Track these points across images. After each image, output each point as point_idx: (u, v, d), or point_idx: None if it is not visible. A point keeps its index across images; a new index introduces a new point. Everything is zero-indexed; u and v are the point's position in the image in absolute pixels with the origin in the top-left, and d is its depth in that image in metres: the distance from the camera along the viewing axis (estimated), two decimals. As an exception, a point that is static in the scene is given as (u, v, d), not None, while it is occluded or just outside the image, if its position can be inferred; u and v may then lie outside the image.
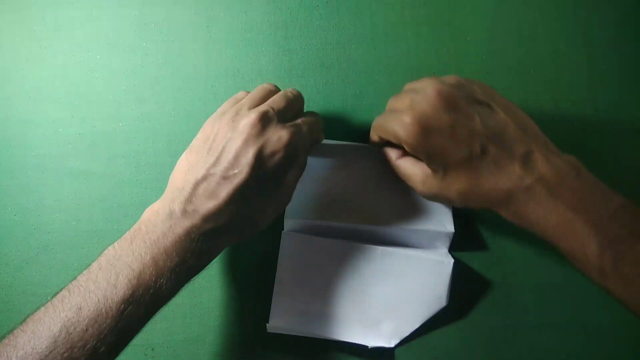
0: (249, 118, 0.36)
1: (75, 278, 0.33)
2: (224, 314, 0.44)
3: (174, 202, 0.35)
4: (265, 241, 0.45)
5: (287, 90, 0.40)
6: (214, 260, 0.44)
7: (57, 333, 0.30)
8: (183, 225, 0.34)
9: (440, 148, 0.36)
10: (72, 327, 0.30)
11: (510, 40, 0.47)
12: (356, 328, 0.43)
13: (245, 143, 0.35)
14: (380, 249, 0.43)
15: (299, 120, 0.38)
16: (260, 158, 0.35)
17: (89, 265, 0.33)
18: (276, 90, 0.40)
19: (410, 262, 0.43)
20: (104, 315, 0.31)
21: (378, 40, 0.47)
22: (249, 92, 0.40)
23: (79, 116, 0.46)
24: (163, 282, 0.33)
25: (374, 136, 0.41)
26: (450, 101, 0.36)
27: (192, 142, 0.38)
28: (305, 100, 0.46)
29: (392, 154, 0.41)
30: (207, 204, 0.35)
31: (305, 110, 0.42)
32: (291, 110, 0.39)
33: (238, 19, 0.47)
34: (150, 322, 0.44)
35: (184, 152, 0.38)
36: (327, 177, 0.44)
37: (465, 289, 0.44)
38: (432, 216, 0.43)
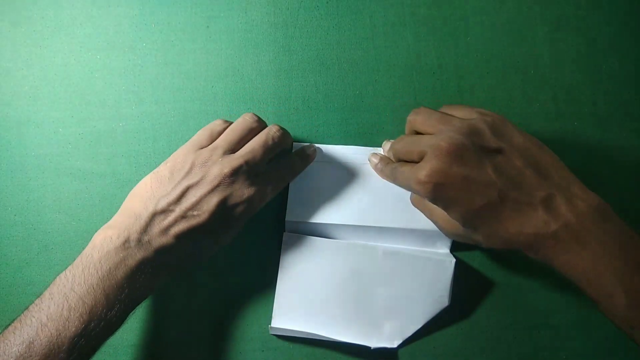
0: (220, 169, 0.38)
1: (27, 308, 0.33)
2: (226, 316, 0.44)
3: (129, 230, 0.36)
4: (266, 243, 0.45)
5: (270, 131, 0.41)
6: (214, 261, 0.44)
7: None
8: (136, 257, 0.35)
9: (455, 199, 0.36)
10: None
11: (510, 40, 0.47)
12: (358, 329, 0.43)
13: (212, 192, 0.37)
14: (382, 250, 0.43)
15: (272, 171, 0.41)
16: (222, 207, 0.37)
17: (41, 294, 0.34)
18: (259, 126, 0.41)
19: (412, 262, 0.43)
20: (56, 350, 0.32)
21: (378, 40, 0.47)
22: (227, 122, 0.41)
23: (79, 116, 0.46)
24: (113, 313, 0.34)
25: (394, 159, 0.42)
26: (461, 154, 0.35)
27: (160, 167, 0.39)
28: (305, 100, 0.46)
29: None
30: (161, 239, 0.36)
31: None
32: (267, 157, 0.40)
33: (238, 19, 0.47)
34: (150, 321, 0.44)
35: (148, 176, 0.39)
36: (328, 178, 0.44)
37: (467, 288, 0.44)
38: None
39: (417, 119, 0.40)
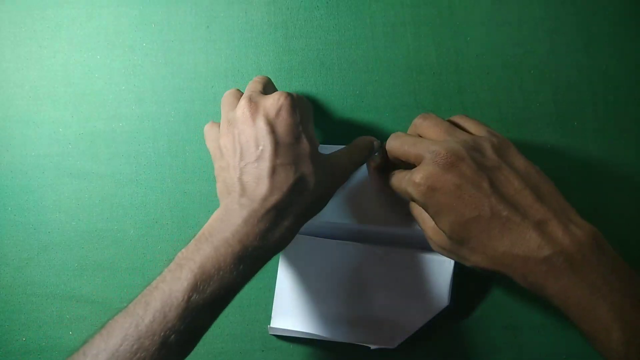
0: (239, 106, 0.37)
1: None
2: (225, 315, 0.44)
3: (230, 203, 0.35)
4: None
5: (255, 78, 0.41)
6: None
7: (127, 327, 0.31)
8: (241, 214, 0.34)
9: (445, 207, 0.35)
10: (141, 320, 0.31)
11: (510, 39, 0.47)
12: (358, 329, 0.43)
13: (252, 123, 0.36)
14: (381, 250, 0.43)
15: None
16: (270, 123, 0.36)
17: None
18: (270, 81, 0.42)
19: (411, 262, 0.43)
20: (169, 305, 0.31)
21: (378, 40, 0.47)
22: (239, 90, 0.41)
23: (79, 116, 0.46)
24: (227, 269, 0.33)
25: (388, 156, 0.41)
26: (458, 163, 0.35)
27: (214, 153, 0.39)
28: (305, 100, 0.46)
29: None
30: (258, 189, 0.35)
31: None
32: (268, 89, 0.40)
33: (238, 19, 0.47)
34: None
35: (215, 169, 0.38)
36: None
37: (466, 288, 0.44)
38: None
39: (424, 124, 0.39)
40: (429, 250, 0.43)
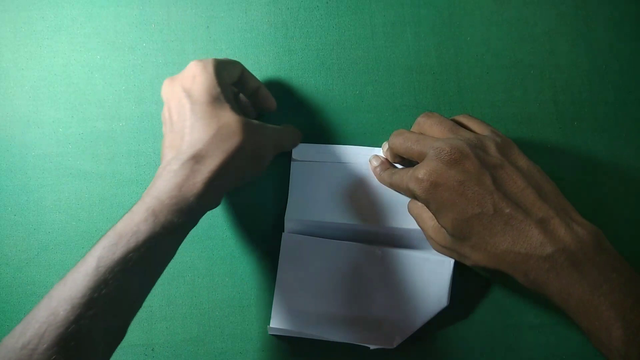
0: (162, 88, 0.39)
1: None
2: (224, 316, 0.44)
3: (159, 168, 0.36)
4: (265, 243, 0.45)
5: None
6: (214, 260, 0.44)
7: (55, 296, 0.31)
8: (159, 172, 0.35)
9: (448, 203, 0.35)
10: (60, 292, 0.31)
11: (510, 40, 0.47)
12: (357, 329, 0.43)
13: (172, 95, 0.38)
14: (381, 250, 0.43)
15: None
16: (186, 89, 0.37)
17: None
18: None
19: (410, 263, 0.43)
20: (76, 282, 0.31)
21: (378, 40, 0.47)
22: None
23: (79, 116, 0.46)
24: (141, 225, 0.33)
25: (390, 153, 0.41)
26: (462, 160, 0.35)
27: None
28: (305, 100, 0.46)
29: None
30: (182, 146, 0.36)
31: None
32: (228, 69, 0.40)
33: (238, 19, 0.47)
34: (150, 322, 0.44)
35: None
36: (328, 178, 0.44)
37: (466, 289, 0.44)
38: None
39: (428, 122, 0.39)
40: (429, 250, 0.43)
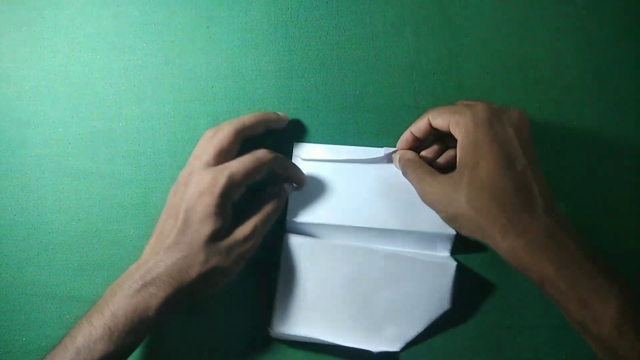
0: (182, 175, 0.41)
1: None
2: (226, 319, 0.44)
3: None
4: (267, 244, 0.45)
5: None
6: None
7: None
8: (119, 282, 0.38)
9: (486, 141, 0.37)
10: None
11: (510, 40, 0.47)
12: (360, 332, 0.42)
13: (180, 198, 0.39)
14: (383, 252, 0.43)
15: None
16: (189, 206, 0.38)
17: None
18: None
19: (412, 265, 0.43)
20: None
21: (378, 40, 0.47)
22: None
23: (79, 116, 0.46)
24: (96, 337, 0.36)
25: (425, 119, 0.41)
26: (496, 120, 0.38)
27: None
28: (305, 100, 0.46)
29: (408, 154, 0.43)
30: (149, 260, 0.38)
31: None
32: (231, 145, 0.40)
33: (238, 19, 0.47)
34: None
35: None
36: (329, 179, 0.44)
37: (468, 292, 0.44)
38: (433, 218, 0.43)
39: (436, 109, 0.41)
40: (431, 253, 0.43)
